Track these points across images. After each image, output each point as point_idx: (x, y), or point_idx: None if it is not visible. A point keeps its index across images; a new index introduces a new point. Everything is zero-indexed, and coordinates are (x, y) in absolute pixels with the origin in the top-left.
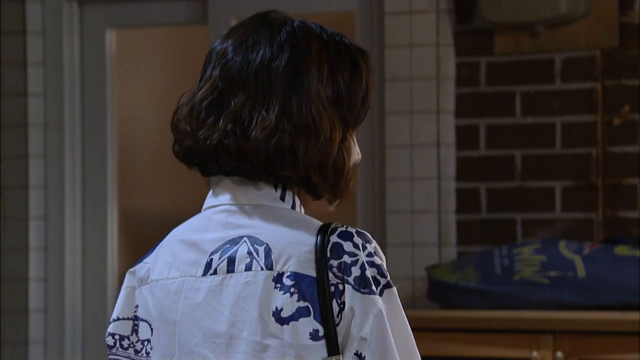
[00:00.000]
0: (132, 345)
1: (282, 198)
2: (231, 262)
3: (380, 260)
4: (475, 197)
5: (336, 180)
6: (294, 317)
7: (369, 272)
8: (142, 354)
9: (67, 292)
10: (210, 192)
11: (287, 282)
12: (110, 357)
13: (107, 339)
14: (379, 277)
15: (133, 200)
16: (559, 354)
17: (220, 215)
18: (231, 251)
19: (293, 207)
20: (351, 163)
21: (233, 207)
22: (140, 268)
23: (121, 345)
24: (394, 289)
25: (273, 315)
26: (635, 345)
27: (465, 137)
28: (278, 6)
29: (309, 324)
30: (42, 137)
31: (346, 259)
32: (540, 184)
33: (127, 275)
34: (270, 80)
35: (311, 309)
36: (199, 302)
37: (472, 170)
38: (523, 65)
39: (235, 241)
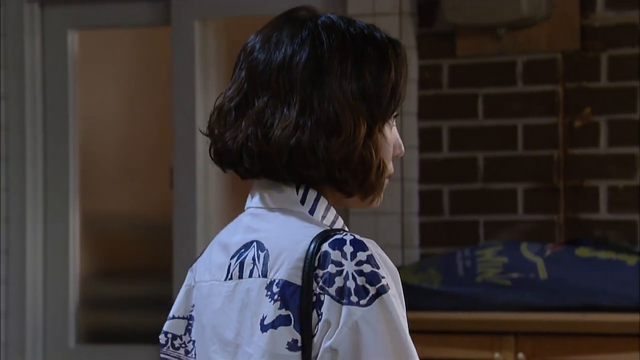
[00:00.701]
0: (183, 345)
1: (302, 201)
2: (241, 267)
3: (373, 267)
4: (438, 199)
5: (364, 176)
6: (274, 324)
7: (357, 282)
8: (192, 355)
9: (28, 295)
10: (249, 193)
11: (274, 289)
12: (162, 355)
13: (160, 337)
14: (368, 285)
15: (95, 202)
16: (521, 355)
17: (246, 218)
18: (243, 256)
19: (312, 210)
20: (380, 158)
21: (257, 210)
22: (195, 266)
23: (172, 345)
24: (386, 296)
25: (260, 324)
26: (596, 347)
27: (428, 140)
28: (242, 8)
29: (288, 333)
30: (3, 139)
31: (331, 268)
32: (502, 185)
33: (188, 273)
34: (291, 78)
35: (292, 317)
36: (218, 308)
37: (435, 173)
38: (485, 68)
39: (247, 246)
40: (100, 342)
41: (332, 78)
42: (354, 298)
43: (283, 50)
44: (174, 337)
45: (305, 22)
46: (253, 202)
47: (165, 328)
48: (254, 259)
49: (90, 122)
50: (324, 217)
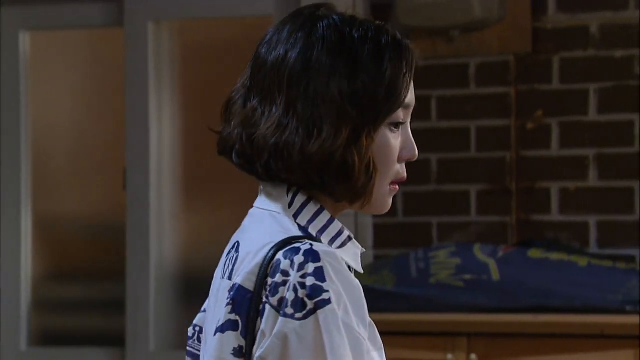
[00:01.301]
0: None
1: (290, 205)
2: (224, 267)
3: (317, 280)
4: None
5: (348, 181)
6: (223, 328)
7: (297, 294)
8: None
9: None
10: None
11: (231, 293)
12: (187, 348)
13: (188, 329)
14: (306, 299)
15: (48, 203)
16: (473, 356)
17: (246, 217)
18: (230, 256)
19: (297, 215)
20: (368, 162)
21: (254, 210)
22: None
23: (199, 338)
24: (323, 312)
25: (215, 326)
26: (547, 347)
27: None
28: (195, 10)
29: (235, 339)
30: None
31: (278, 278)
32: (455, 187)
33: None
34: (279, 78)
35: (240, 323)
36: (212, 307)
37: None
38: (438, 70)
39: (234, 246)
40: (53, 345)
41: (320, 78)
42: (289, 310)
43: (278, 49)
44: (202, 330)
45: (306, 21)
46: (256, 201)
47: (195, 321)
48: (230, 260)
49: (43, 124)
50: (310, 222)
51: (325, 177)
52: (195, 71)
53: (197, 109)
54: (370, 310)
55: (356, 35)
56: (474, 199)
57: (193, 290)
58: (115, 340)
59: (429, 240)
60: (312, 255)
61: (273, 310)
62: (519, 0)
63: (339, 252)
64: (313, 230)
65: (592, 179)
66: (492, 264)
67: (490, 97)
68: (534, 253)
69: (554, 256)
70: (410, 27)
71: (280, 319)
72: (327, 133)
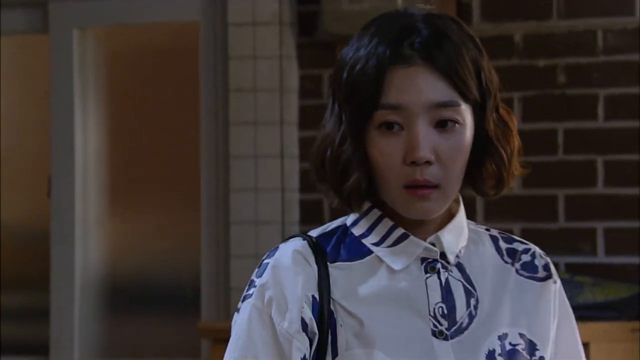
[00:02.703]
0: None
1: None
2: None
3: (254, 275)
4: (319, 208)
5: (336, 184)
6: None
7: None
8: None
9: None
10: None
11: None
12: None
13: None
14: (244, 292)
15: None
16: None
17: None
18: None
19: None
20: (348, 166)
21: None
22: None
23: None
24: (243, 304)
25: None
26: None
27: (308, 149)
28: (121, 16)
29: None
30: None
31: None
32: None
33: None
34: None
35: None
36: None
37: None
38: None
39: None
40: None
41: (335, 83)
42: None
43: None
44: None
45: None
46: None
47: None
48: None
49: None
50: (355, 222)
51: (324, 180)
52: (121, 78)
53: (123, 116)
54: None
55: (365, 41)
56: None
57: (119, 298)
58: (39, 349)
59: None
60: (272, 251)
61: None
62: (444, 9)
63: (390, 250)
64: (352, 228)
65: (516, 187)
66: None
67: None
68: None
69: None
70: (336, 34)
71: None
72: (321, 136)
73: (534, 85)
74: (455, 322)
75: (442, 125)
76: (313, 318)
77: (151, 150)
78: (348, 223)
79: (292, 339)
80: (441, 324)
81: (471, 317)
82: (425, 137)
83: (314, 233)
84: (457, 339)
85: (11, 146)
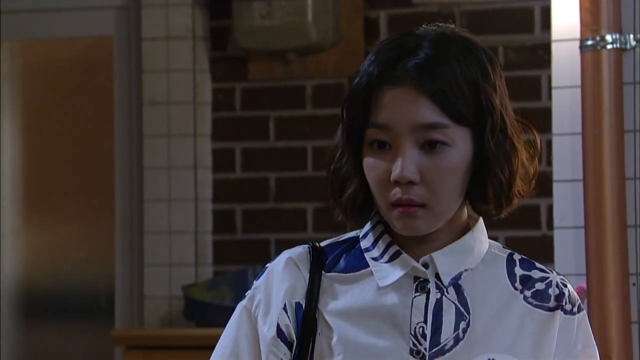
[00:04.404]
0: None
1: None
2: None
3: (255, 280)
4: (231, 218)
5: (333, 192)
6: None
7: None
8: None
9: None
10: None
11: None
12: None
13: None
14: None
15: None
16: None
17: None
18: None
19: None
20: (343, 183)
21: None
22: None
23: None
24: (237, 306)
25: None
26: None
27: (221, 160)
28: (36, 30)
29: None
30: None
31: None
32: (292, 205)
33: None
34: None
35: None
36: None
37: (228, 192)
38: (276, 91)
39: None
40: None
41: None
42: None
43: None
44: None
45: None
46: None
47: None
48: None
49: None
50: (364, 236)
51: (330, 197)
52: (36, 90)
53: (37, 128)
54: (209, 325)
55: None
56: (311, 216)
57: (34, 307)
58: None
59: (267, 256)
60: (274, 258)
61: None
62: (353, 25)
63: (385, 266)
64: (361, 240)
65: None
66: None
67: (326, 118)
68: None
69: None
70: (248, 49)
71: None
72: (329, 156)
73: None
74: (438, 343)
75: (431, 146)
76: (291, 325)
77: (66, 162)
78: (360, 235)
79: (269, 343)
80: (421, 344)
81: (457, 339)
82: (409, 157)
83: (327, 241)
84: None
85: None
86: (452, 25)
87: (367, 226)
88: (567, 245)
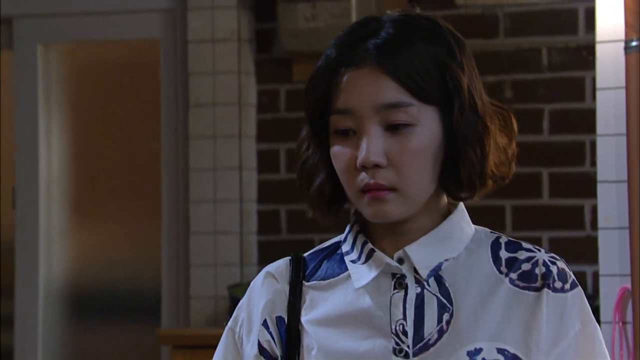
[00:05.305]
0: None
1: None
2: None
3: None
4: (276, 218)
5: (301, 185)
6: None
7: None
8: None
9: None
10: None
11: None
12: None
13: None
14: None
15: None
16: None
17: None
18: None
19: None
20: (307, 170)
21: None
22: None
23: None
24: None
25: None
26: None
27: (266, 161)
28: (84, 33)
29: None
30: None
31: None
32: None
33: None
34: None
35: None
36: None
37: (273, 193)
38: None
39: None
40: None
41: None
42: None
43: None
44: None
45: None
46: None
47: None
48: None
49: None
50: (345, 238)
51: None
52: (84, 92)
53: (86, 129)
54: None
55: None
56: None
57: (81, 306)
58: (4, 356)
59: None
60: None
61: None
62: None
63: (362, 267)
64: (343, 244)
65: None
66: None
67: None
68: None
69: None
70: (293, 51)
71: None
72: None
73: None
74: (422, 339)
75: (396, 127)
76: (273, 340)
77: (113, 163)
78: (342, 238)
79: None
80: (403, 342)
81: (441, 332)
82: (374, 140)
83: (311, 250)
84: (421, 356)
85: None
86: (418, 10)
87: (347, 228)
88: (612, 245)
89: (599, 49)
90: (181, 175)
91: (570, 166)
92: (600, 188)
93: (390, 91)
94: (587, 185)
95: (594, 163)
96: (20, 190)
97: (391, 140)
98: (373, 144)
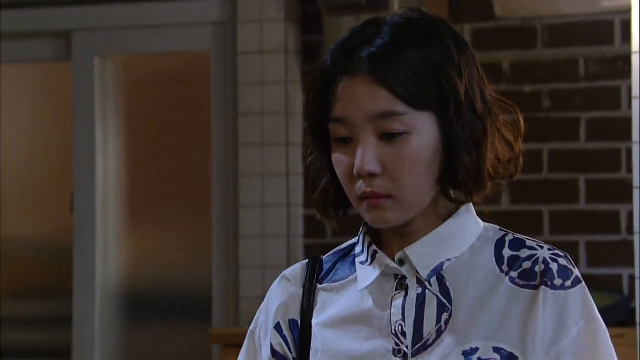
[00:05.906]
0: None
1: None
2: None
3: None
4: (322, 222)
5: (307, 189)
6: None
7: None
8: None
9: None
10: None
11: None
12: None
13: None
14: None
15: (1, 227)
16: None
17: None
18: None
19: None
20: (310, 177)
21: None
22: None
23: None
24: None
25: None
26: None
27: None
28: (138, 45)
29: None
30: None
31: None
32: None
33: None
34: None
35: None
36: None
37: None
38: None
39: None
40: (5, 358)
41: None
42: None
43: None
44: None
45: None
46: None
47: None
48: None
49: None
50: (358, 240)
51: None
52: (138, 102)
53: (140, 138)
54: None
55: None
56: None
57: (136, 306)
58: (63, 353)
59: None
60: None
61: None
62: None
63: (368, 268)
64: (356, 246)
65: (505, 204)
66: None
67: None
68: None
69: None
70: None
71: None
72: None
73: (520, 109)
74: (421, 339)
75: (391, 136)
76: (286, 343)
77: (166, 170)
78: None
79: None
80: (402, 343)
81: (439, 332)
82: (369, 149)
83: (332, 250)
84: (419, 356)
85: (37, 166)
86: (423, 9)
87: (360, 230)
88: None
89: (635, 59)
90: (231, 181)
91: (607, 172)
92: (636, 194)
93: (384, 101)
94: (623, 191)
95: (630, 169)
96: (78, 196)
97: (386, 148)
98: (367, 154)
